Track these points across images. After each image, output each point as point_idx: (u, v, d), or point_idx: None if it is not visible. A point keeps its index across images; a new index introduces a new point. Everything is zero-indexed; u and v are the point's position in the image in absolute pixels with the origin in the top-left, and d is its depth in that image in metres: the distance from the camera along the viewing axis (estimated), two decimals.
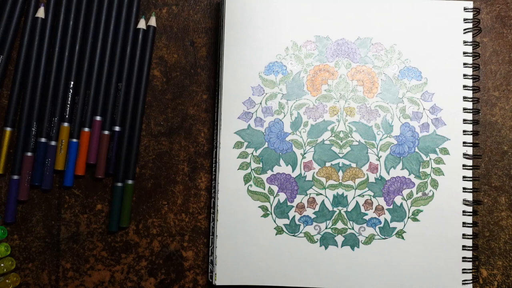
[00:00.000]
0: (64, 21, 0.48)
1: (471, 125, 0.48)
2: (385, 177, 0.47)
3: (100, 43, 0.48)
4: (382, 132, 0.48)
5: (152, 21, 0.49)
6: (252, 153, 0.47)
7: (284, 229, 0.47)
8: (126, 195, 0.47)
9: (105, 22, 0.48)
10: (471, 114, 0.48)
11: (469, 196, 0.47)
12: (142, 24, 0.49)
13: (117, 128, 0.48)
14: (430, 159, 0.47)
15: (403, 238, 0.47)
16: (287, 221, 0.47)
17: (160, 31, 0.50)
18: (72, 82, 0.48)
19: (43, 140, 0.47)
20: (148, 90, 0.49)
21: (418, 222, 0.47)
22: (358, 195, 0.47)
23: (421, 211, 0.47)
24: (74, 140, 0.47)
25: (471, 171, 0.47)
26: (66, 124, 0.47)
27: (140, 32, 0.48)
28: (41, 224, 0.48)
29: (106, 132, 0.48)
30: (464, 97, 0.48)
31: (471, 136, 0.48)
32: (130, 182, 0.47)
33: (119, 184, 0.47)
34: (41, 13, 0.48)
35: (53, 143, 0.47)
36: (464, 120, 0.48)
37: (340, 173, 0.47)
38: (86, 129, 0.47)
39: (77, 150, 0.47)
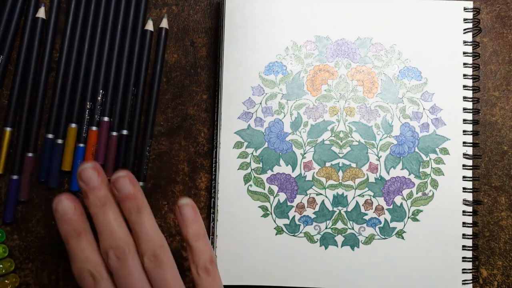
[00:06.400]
0: (64, 21, 0.48)
1: (471, 125, 0.48)
2: (385, 177, 0.47)
3: (99, 43, 0.48)
4: (382, 132, 0.48)
5: (164, 23, 0.49)
6: (252, 153, 0.47)
7: (284, 229, 0.47)
8: None
9: (104, 21, 0.48)
10: (471, 114, 0.48)
11: (469, 196, 0.47)
12: (149, 26, 0.48)
13: (124, 132, 0.47)
14: (430, 159, 0.47)
15: (403, 238, 0.47)
16: (287, 221, 0.47)
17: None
18: (80, 83, 0.47)
19: (50, 136, 0.46)
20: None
21: (418, 222, 0.47)
22: (358, 195, 0.47)
23: (421, 211, 0.47)
24: (81, 145, 0.47)
25: (471, 171, 0.47)
26: (73, 125, 0.47)
27: (148, 34, 0.48)
28: (41, 224, 0.48)
29: (114, 133, 0.47)
30: (464, 97, 0.48)
31: (471, 136, 0.48)
32: (140, 184, 0.47)
33: None
34: (41, 13, 0.48)
35: (59, 141, 0.47)
36: (464, 120, 0.48)
37: (340, 173, 0.47)
38: (94, 128, 0.47)
39: (83, 152, 0.47)
